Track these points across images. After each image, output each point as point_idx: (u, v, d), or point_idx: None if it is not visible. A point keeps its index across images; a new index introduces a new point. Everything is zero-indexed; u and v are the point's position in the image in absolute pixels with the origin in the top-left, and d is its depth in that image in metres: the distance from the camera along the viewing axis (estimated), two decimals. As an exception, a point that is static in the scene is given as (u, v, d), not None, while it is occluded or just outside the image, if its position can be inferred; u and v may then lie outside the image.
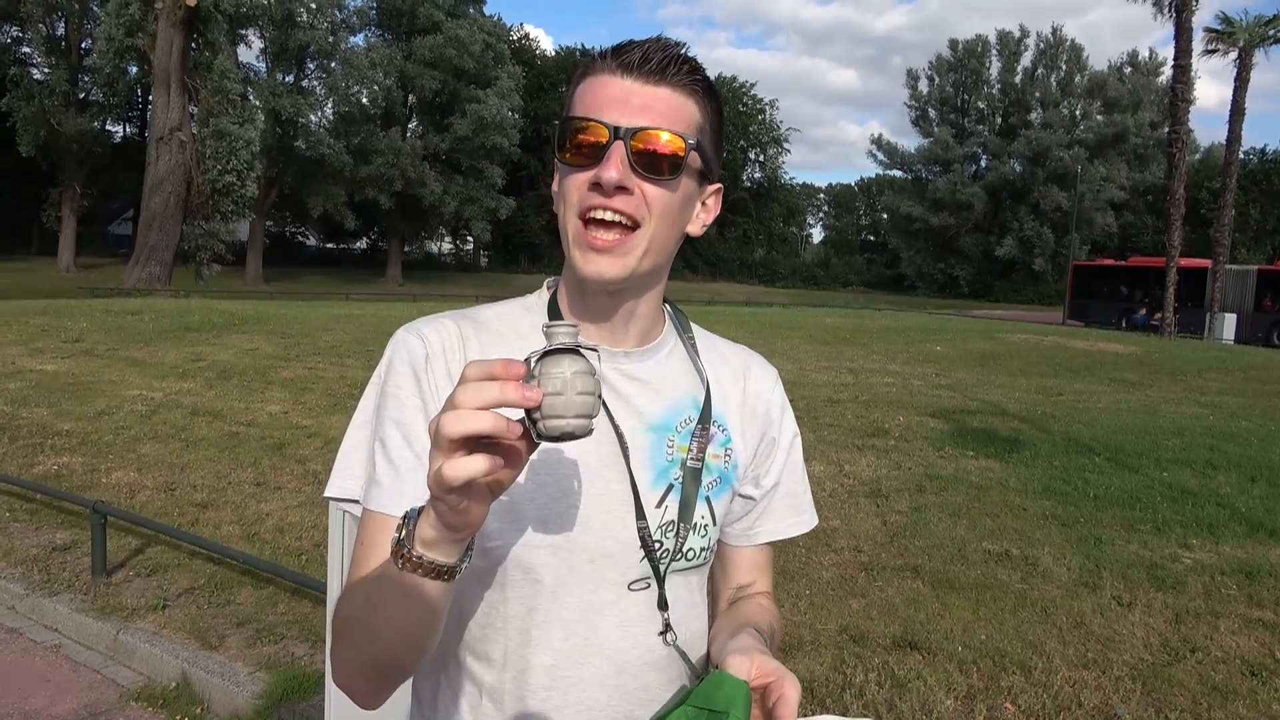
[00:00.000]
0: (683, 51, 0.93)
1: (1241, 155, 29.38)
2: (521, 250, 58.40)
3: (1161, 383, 12.43)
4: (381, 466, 0.93)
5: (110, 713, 3.43)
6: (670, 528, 0.97)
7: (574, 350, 0.71)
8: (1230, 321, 26.88)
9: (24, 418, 7.46)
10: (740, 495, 1.06)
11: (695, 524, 0.98)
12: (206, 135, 27.73)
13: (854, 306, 35.03)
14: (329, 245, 57.69)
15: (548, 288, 1.06)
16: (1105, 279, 33.77)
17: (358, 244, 58.34)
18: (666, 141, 0.89)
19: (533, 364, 0.71)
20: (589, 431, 0.71)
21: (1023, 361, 14.02)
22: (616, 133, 0.88)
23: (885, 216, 73.21)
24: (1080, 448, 7.53)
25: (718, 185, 1.00)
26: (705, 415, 1.01)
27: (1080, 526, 5.39)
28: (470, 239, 56.20)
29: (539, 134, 52.97)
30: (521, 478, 0.89)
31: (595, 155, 0.89)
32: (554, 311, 1.02)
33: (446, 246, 60.99)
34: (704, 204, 0.99)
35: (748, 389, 1.08)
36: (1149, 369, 13.76)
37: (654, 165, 0.89)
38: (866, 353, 13.81)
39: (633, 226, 0.91)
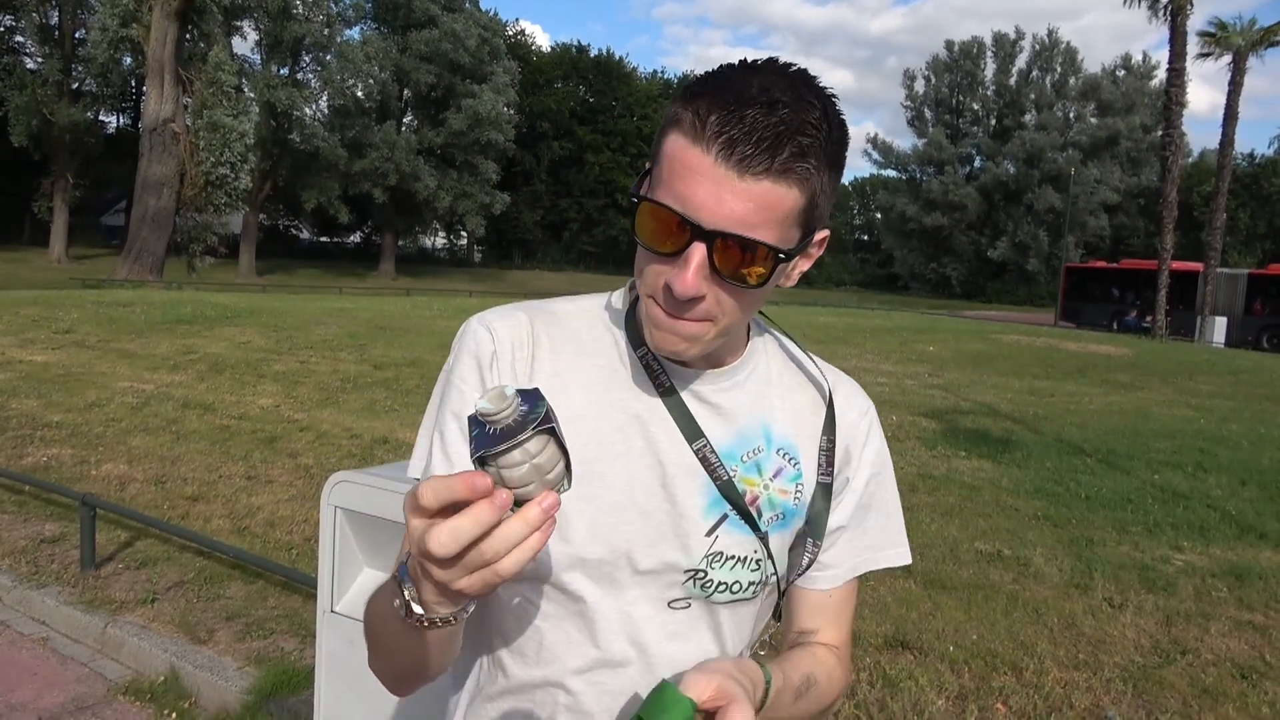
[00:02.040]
0: (796, 121, 0.79)
1: (1233, 160, 29.46)
2: (515, 246, 58.29)
3: (1153, 385, 12.47)
4: (437, 458, 0.94)
5: (98, 706, 3.41)
6: (718, 559, 0.93)
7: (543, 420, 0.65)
8: (1221, 325, 27.01)
9: (13, 409, 7.41)
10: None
11: (745, 558, 0.93)
12: (200, 127, 27.57)
13: (847, 306, 35.08)
14: (322, 239, 57.48)
15: (630, 289, 0.98)
16: (1097, 281, 33.87)
17: (351, 238, 58.14)
18: (753, 252, 0.80)
19: (486, 463, 0.65)
20: (568, 484, 0.68)
21: (1015, 362, 14.06)
22: (698, 233, 0.80)
23: (879, 216, 73.34)
24: (1072, 449, 7.55)
25: (825, 232, 0.89)
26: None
27: (1072, 527, 5.40)
28: (464, 234, 56.10)
29: (534, 129, 52.91)
30: (575, 491, 0.87)
31: (672, 249, 0.82)
32: (630, 326, 0.96)
33: (440, 241, 60.82)
34: (807, 254, 0.89)
35: (830, 419, 1.00)
36: (1140, 371, 13.81)
37: (736, 275, 0.82)
38: (860, 352, 13.83)
39: (707, 320, 0.86)
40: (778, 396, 0.98)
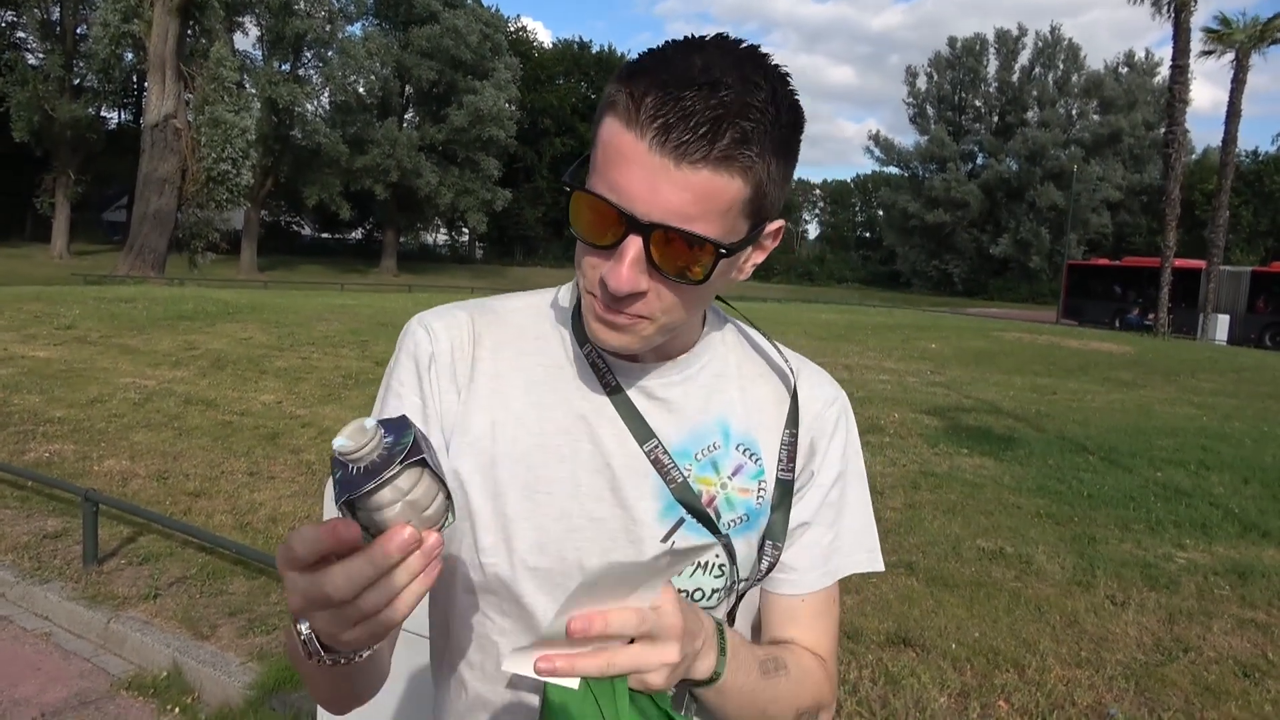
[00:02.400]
0: (739, 104, 0.72)
1: (1236, 157, 29.44)
2: (517, 242, 58.29)
3: (1155, 383, 12.46)
4: None
5: (101, 701, 3.41)
6: None
7: (411, 451, 0.59)
8: (1223, 322, 26.99)
9: (15, 404, 7.41)
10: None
11: (706, 564, 0.87)
12: (202, 123, 27.57)
13: (849, 303, 35.08)
14: (324, 235, 57.50)
15: (575, 285, 0.94)
16: (1100, 279, 33.84)
17: (353, 234, 58.17)
18: (690, 246, 0.75)
19: (355, 507, 0.59)
20: (452, 518, 0.63)
21: (1017, 360, 14.05)
22: (634, 225, 0.74)
23: (881, 213, 73.29)
24: (1074, 446, 7.54)
25: (778, 223, 0.82)
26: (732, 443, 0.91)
27: (1074, 525, 5.40)
28: (466, 231, 56.09)
29: (536, 126, 52.85)
30: (520, 497, 0.86)
31: (607, 242, 0.76)
32: (576, 322, 0.91)
33: (442, 238, 60.83)
34: (760, 245, 0.84)
35: (796, 412, 0.93)
36: (1143, 369, 13.80)
37: (674, 269, 0.76)
38: (861, 349, 13.83)
39: (645, 316, 0.80)
40: (736, 389, 0.92)
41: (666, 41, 0.77)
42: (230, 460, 6.11)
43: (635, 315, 0.80)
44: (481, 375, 0.90)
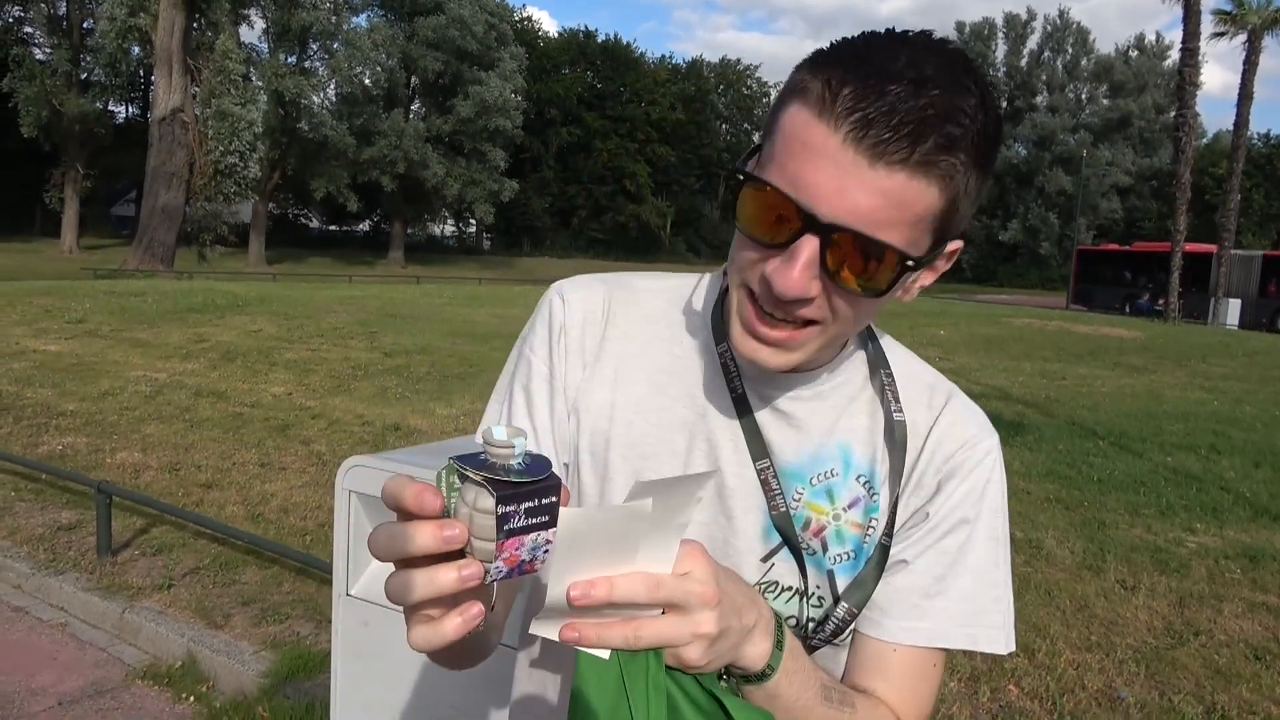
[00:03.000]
0: (947, 107, 0.66)
1: (1247, 140, 29.19)
2: (524, 233, 58.29)
3: (1166, 368, 12.40)
4: (490, 421, 0.89)
5: (116, 690, 3.45)
6: (773, 588, 0.83)
7: (503, 483, 0.55)
8: (1235, 307, 26.83)
9: (28, 398, 7.47)
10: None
11: (806, 592, 0.82)
12: (209, 116, 27.62)
13: (857, 290, 34.91)
14: (331, 227, 57.61)
15: (723, 275, 0.86)
16: (1110, 264, 33.67)
17: (360, 226, 58.27)
18: (874, 255, 0.68)
19: (456, 490, 0.56)
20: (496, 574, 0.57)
21: (1027, 346, 14.00)
22: (813, 225, 0.68)
23: (889, 200, 72.96)
24: (1084, 432, 7.52)
25: (958, 243, 0.76)
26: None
27: (1084, 510, 5.39)
28: (473, 221, 56.11)
29: (542, 116, 52.76)
30: (627, 486, 0.82)
31: (779, 240, 0.70)
32: (715, 317, 0.86)
33: (449, 229, 60.89)
34: (933, 267, 0.77)
35: (927, 445, 0.85)
36: (1153, 354, 13.74)
37: (851, 279, 0.70)
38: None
39: (809, 323, 0.74)
40: (868, 415, 0.85)
41: (864, 32, 0.72)
42: (241, 452, 6.14)
43: (794, 329, 0.74)
44: (609, 354, 0.88)
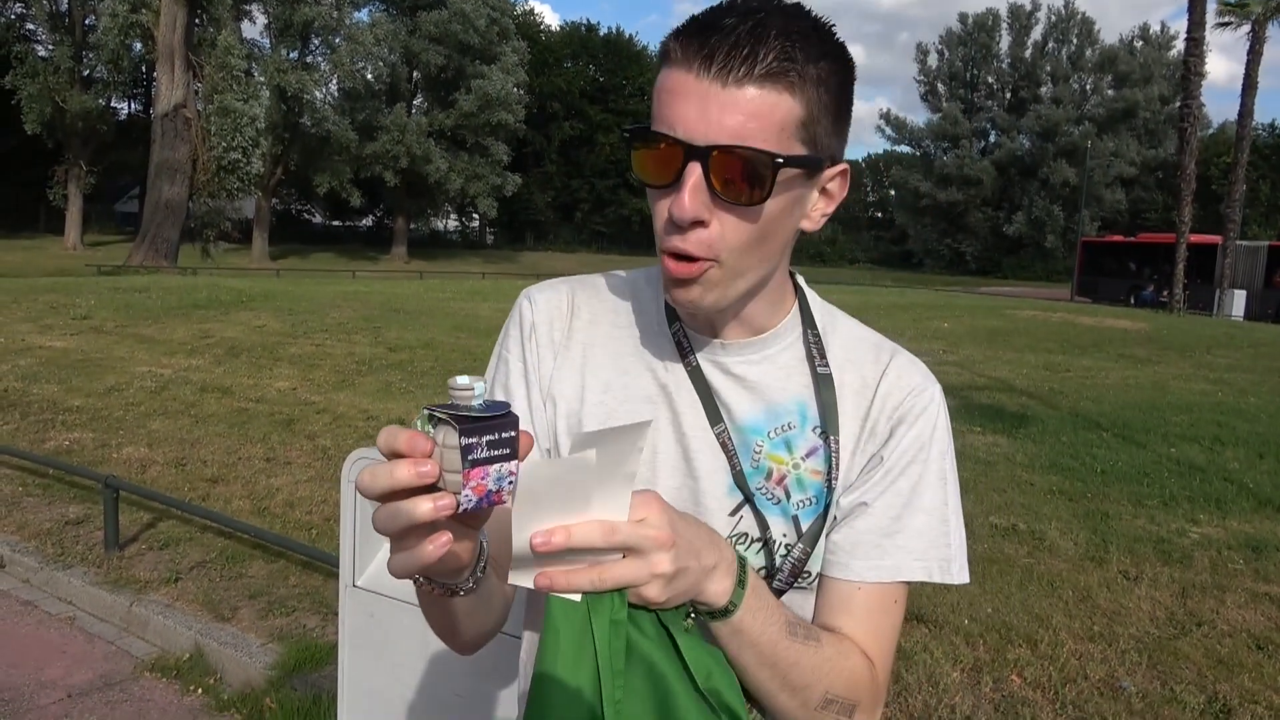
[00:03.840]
0: (779, 27, 0.75)
1: (1252, 130, 29.06)
2: (528, 227, 58.30)
3: (1170, 359, 12.39)
4: None
5: (125, 683, 3.47)
6: (743, 540, 0.89)
7: (449, 421, 0.63)
8: (1240, 298, 26.76)
9: (35, 394, 7.50)
10: (835, 518, 0.91)
11: (772, 541, 0.88)
12: (211, 112, 27.64)
13: (861, 283, 34.95)
14: (334, 223, 57.65)
15: None
16: (1114, 255, 33.60)
17: (363, 221, 58.31)
18: (748, 162, 0.75)
19: (434, 422, 0.64)
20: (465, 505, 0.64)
21: (1030, 338, 13.99)
22: (691, 152, 0.76)
23: (893, 193, 72.83)
24: (1088, 424, 7.53)
25: (842, 167, 0.84)
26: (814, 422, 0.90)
27: (1087, 501, 5.40)
28: (476, 216, 56.09)
29: (544, 110, 52.70)
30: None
31: (669, 178, 0.78)
32: (666, 304, 0.94)
33: (452, 224, 60.88)
34: (824, 190, 0.85)
35: (877, 397, 0.92)
36: (1157, 345, 13.72)
37: (736, 192, 0.76)
38: (873, 329, 13.77)
39: (710, 260, 0.80)
40: (818, 373, 0.92)
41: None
42: (247, 446, 6.17)
43: (702, 260, 0.80)
44: (576, 343, 0.96)
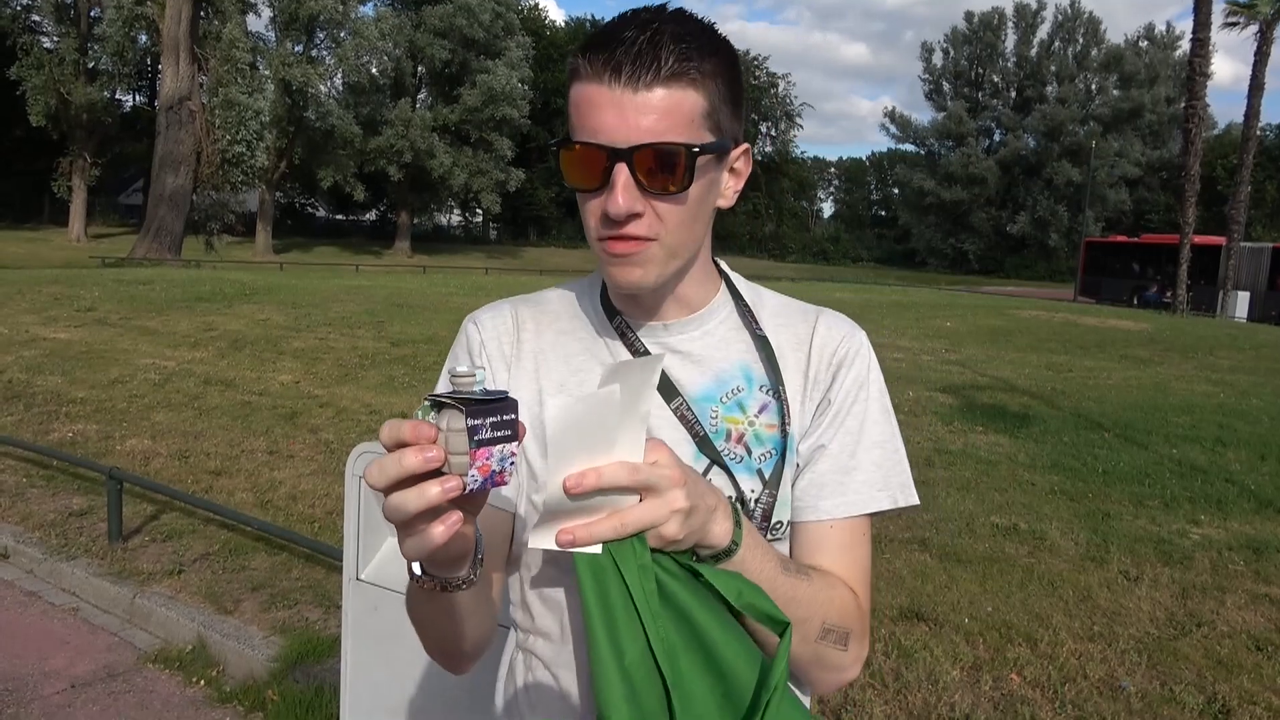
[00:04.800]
0: (673, 33, 0.84)
1: (1258, 131, 28.97)
2: (531, 223, 58.26)
3: (1172, 360, 12.38)
4: None
5: (128, 674, 3.49)
6: None
7: (455, 405, 0.67)
8: (1243, 299, 26.70)
9: (39, 385, 7.52)
10: (798, 465, 0.98)
11: (742, 498, 0.94)
12: (216, 105, 27.64)
13: (864, 281, 34.92)
14: (338, 216, 57.66)
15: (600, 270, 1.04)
16: (1118, 256, 33.54)
17: (367, 215, 58.30)
18: (669, 156, 0.84)
19: (438, 409, 0.68)
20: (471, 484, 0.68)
21: (1033, 338, 13.98)
22: (616, 155, 0.84)
23: (896, 191, 72.76)
24: (1090, 424, 7.52)
25: (744, 147, 0.94)
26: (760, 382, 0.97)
27: (1088, 501, 5.40)
28: (479, 211, 56.06)
29: (548, 106, 52.62)
30: (539, 461, 0.94)
31: (599, 180, 0.86)
32: (605, 297, 1.01)
33: (456, 218, 60.85)
34: (732, 170, 0.94)
35: (813, 350, 1.00)
36: (1160, 346, 13.70)
37: (661, 183, 0.85)
38: (876, 328, 13.78)
39: (651, 238, 0.88)
40: (756, 337, 1.00)
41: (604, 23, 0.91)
42: (250, 439, 6.18)
43: (639, 240, 0.88)
44: (526, 353, 1.01)
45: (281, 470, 5.57)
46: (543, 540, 0.75)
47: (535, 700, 0.98)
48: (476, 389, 0.68)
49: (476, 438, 0.66)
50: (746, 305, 1.02)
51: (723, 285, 1.04)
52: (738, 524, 0.83)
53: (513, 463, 0.69)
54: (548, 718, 0.96)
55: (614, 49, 0.83)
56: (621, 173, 0.84)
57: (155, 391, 7.43)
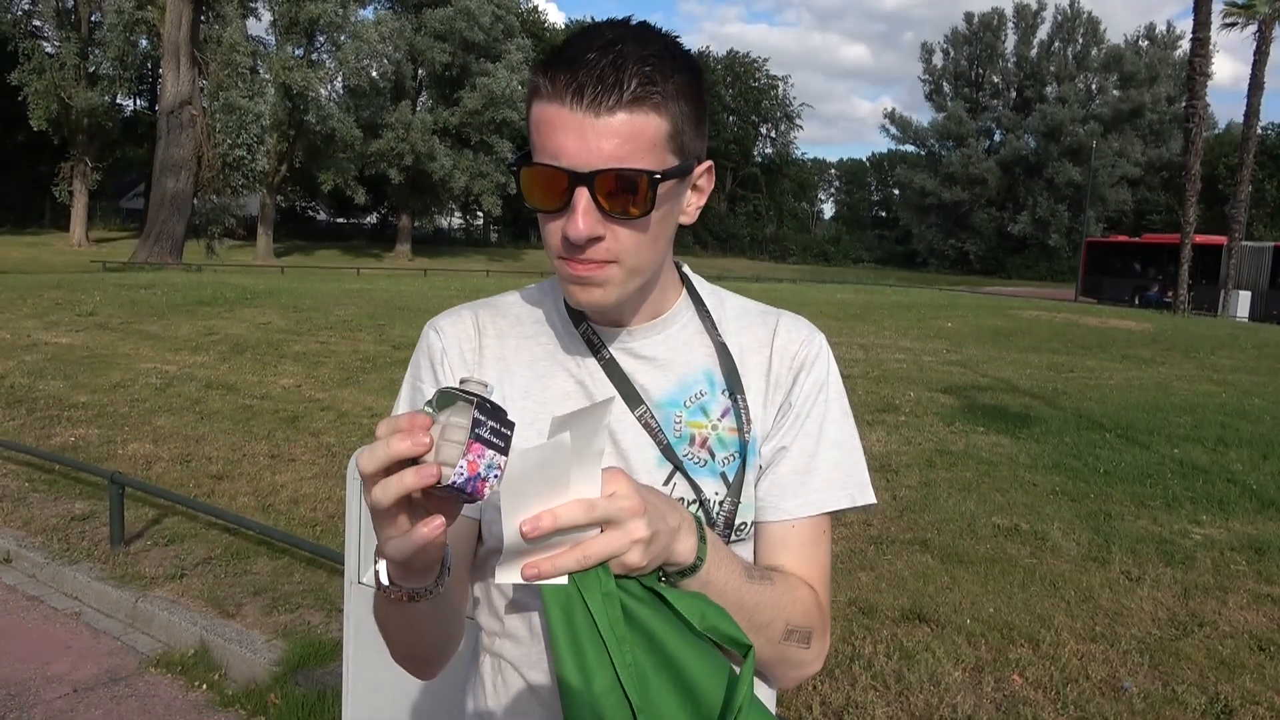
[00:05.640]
0: (636, 55, 0.83)
1: (1259, 130, 28.96)
2: (531, 225, 57.98)
3: (1174, 360, 12.37)
4: None
5: (130, 678, 3.49)
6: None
7: (467, 398, 0.69)
8: (1245, 299, 26.68)
9: (40, 390, 7.53)
10: (761, 467, 0.99)
11: (705, 501, 0.94)
12: (216, 109, 27.68)
13: (865, 283, 34.91)
14: (339, 220, 57.69)
15: None
16: (1119, 256, 33.50)
17: (368, 219, 58.32)
18: (630, 181, 0.84)
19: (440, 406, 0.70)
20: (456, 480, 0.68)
21: (1034, 338, 13.97)
22: (577, 178, 0.83)
23: (897, 192, 72.74)
24: (1091, 424, 7.52)
25: (706, 164, 0.94)
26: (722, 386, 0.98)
27: (1090, 502, 5.40)
28: (480, 214, 56.08)
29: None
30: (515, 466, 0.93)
31: (560, 204, 0.85)
32: (569, 308, 1.00)
33: (456, 221, 60.87)
34: (695, 188, 0.94)
35: (774, 353, 1.01)
36: (1162, 346, 13.70)
37: (622, 207, 0.85)
38: (877, 329, 13.78)
39: (611, 260, 0.88)
40: (718, 342, 1.00)
41: (567, 36, 0.91)
42: (251, 443, 6.19)
43: (601, 262, 0.88)
44: (489, 359, 1.00)
45: (283, 474, 5.57)
46: (509, 575, 0.76)
47: (505, 703, 0.98)
48: (489, 393, 0.70)
49: (477, 431, 0.67)
50: (707, 310, 1.03)
51: (684, 290, 1.04)
52: (702, 539, 0.84)
53: (497, 475, 0.69)
54: None
55: (575, 70, 0.83)
56: (582, 197, 0.84)
57: (157, 396, 7.44)
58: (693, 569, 0.83)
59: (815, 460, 0.99)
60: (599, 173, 0.83)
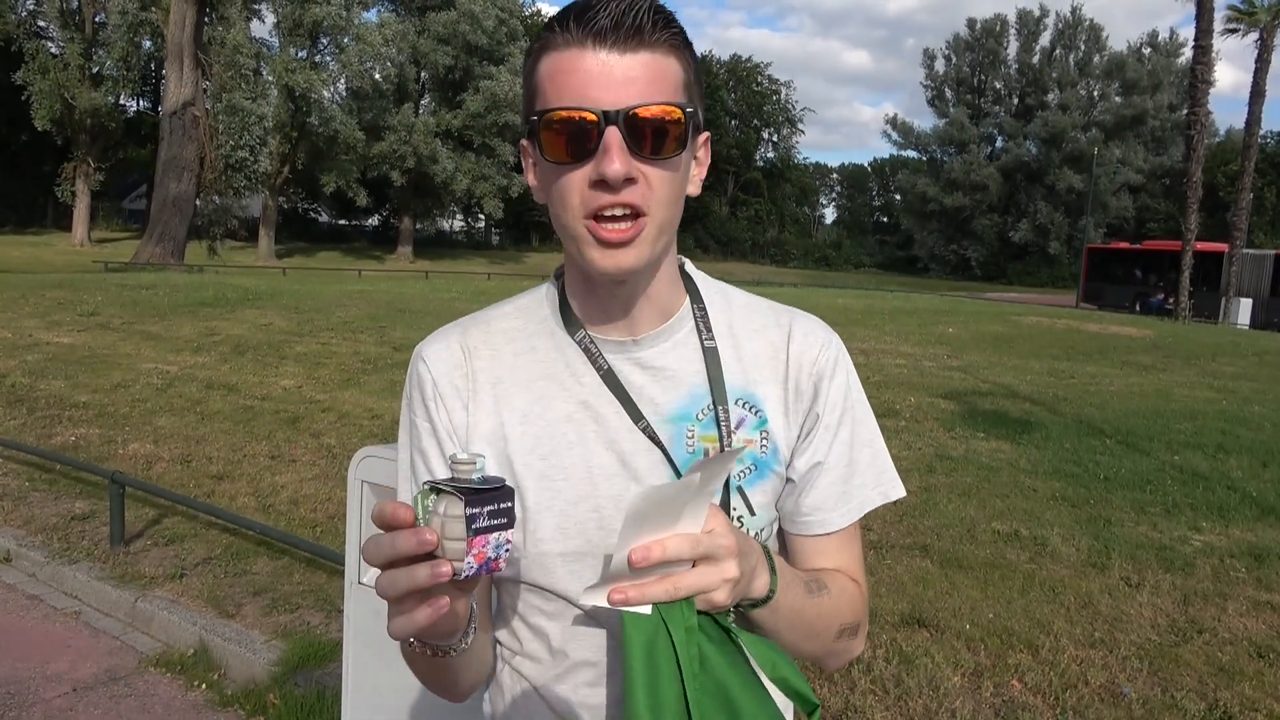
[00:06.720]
0: (646, 3, 0.82)
1: (1260, 139, 28.98)
2: (533, 228, 58.28)
3: (1175, 366, 12.37)
4: (404, 489, 1.00)
5: (130, 678, 3.49)
6: None
7: (455, 495, 0.68)
8: (1246, 306, 26.68)
9: (42, 389, 7.53)
10: (788, 480, 0.97)
11: (729, 514, 0.91)
12: (219, 110, 27.71)
13: (866, 288, 34.91)
14: (341, 222, 57.73)
15: (555, 279, 1.00)
16: (1120, 262, 33.51)
17: (369, 221, 58.36)
18: (664, 116, 0.81)
19: (435, 492, 0.70)
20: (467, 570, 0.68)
21: (1035, 344, 13.97)
22: (608, 118, 0.80)
23: (898, 197, 72.78)
24: (1091, 430, 7.52)
25: (705, 135, 0.92)
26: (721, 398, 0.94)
27: (1090, 508, 5.40)
28: (482, 216, 56.11)
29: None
30: (538, 488, 0.91)
31: (588, 148, 0.81)
32: (565, 309, 0.96)
33: (458, 224, 60.92)
34: (696, 158, 0.91)
35: (790, 359, 0.97)
36: (1162, 353, 13.69)
37: (656, 146, 0.82)
38: (878, 334, 13.78)
39: (639, 214, 0.83)
40: (730, 347, 0.96)
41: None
42: (252, 444, 6.19)
43: (634, 215, 0.83)
44: (483, 384, 0.95)
45: (283, 475, 5.58)
46: (595, 599, 0.76)
47: (525, 713, 0.97)
48: (475, 476, 0.69)
49: (474, 526, 0.67)
50: (703, 309, 0.98)
51: (691, 291, 1.00)
52: (773, 571, 0.84)
53: (508, 549, 0.69)
54: None
55: (595, 13, 0.81)
56: (614, 136, 0.80)
57: (158, 396, 7.44)
58: (765, 600, 0.84)
59: (852, 467, 0.98)
60: (630, 109, 0.80)
